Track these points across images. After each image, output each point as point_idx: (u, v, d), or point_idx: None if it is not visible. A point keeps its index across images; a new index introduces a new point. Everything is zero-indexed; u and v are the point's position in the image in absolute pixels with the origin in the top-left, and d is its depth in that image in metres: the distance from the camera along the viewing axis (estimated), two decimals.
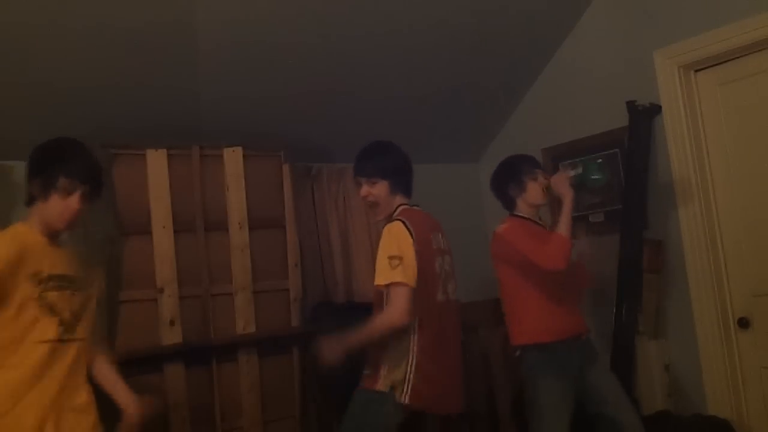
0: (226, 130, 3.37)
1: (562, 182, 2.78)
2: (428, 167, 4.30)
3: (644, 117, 3.45)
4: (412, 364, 2.40)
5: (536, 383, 2.76)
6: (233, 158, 3.36)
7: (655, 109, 3.43)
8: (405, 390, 2.38)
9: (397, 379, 2.40)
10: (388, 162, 2.60)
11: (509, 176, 2.93)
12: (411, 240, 2.41)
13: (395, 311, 2.37)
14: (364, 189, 2.60)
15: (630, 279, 3.40)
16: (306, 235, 3.70)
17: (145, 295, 3.09)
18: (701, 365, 3.29)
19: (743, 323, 3.23)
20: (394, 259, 2.39)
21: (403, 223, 2.46)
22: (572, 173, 2.81)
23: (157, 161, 3.18)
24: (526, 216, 2.90)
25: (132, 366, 2.95)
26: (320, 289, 3.74)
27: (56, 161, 2.11)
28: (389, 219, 2.57)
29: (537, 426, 2.74)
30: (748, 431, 3.21)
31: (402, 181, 2.60)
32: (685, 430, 3.20)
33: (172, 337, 3.10)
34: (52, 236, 2.17)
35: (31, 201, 2.16)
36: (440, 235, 2.65)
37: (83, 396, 2.17)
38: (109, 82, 2.97)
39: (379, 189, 2.57)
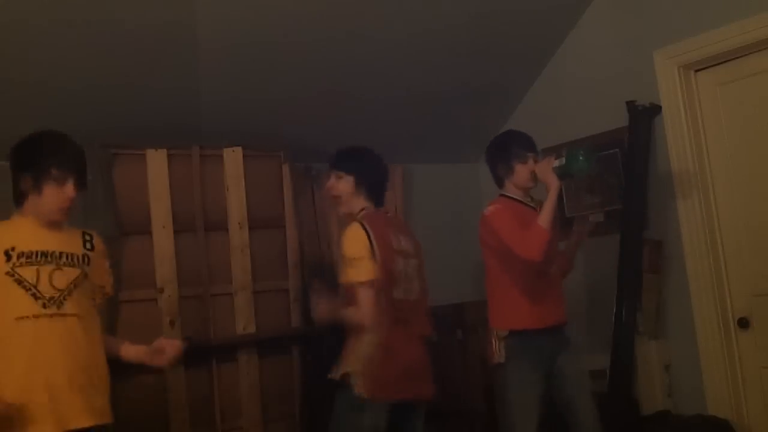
0: (226, 130, 3.37)
1: (546, 170, 2.74)
2: (428, 167, 4.32)
3: (644, 117, 3.45)
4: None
5: (507, 368, 2.78)
6: (233, 158, 3.37)
7: (655, 109, 3.43)
8: (362, 381, 2.47)
9: (356, 370, 2.50)
10: (358, 161, 2.73)
11: (498, 156, 2.91)
12: (368, 241, 2.53)
13: (363, 315, 2.52)
14: (330, 182, 2.74)
15: (630, 279, 3.40)
16: (306, 236, 3.70)
17: (145, 295, 3.10)
18: (701, 365, 3.29)
19: (743, 323, 3.23)
20: (354, 260, 2.53)
21: (361, 225, 2.58)
22: (556, 163, 2.73)
23: (157, 161, 3.18)
24: (514, 197, 2.87)
25: (132, 366, 2.95)
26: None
27: (46, 153, 2.13)
28: (351, 219, 2.67)
29: (506, 412, 2.78)
30: (748, 431, 3.21)
31: (367, 183, 2.71)
32: (685, 430, 3.20)
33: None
34: (50, 227, 2.16)
35: (22, 198, 2.15)
36: (406, 238, 2.73)
37: (87, 376, 2.14)
38: (109, 82, 2.98)
39: (344, 185, 2.70)
